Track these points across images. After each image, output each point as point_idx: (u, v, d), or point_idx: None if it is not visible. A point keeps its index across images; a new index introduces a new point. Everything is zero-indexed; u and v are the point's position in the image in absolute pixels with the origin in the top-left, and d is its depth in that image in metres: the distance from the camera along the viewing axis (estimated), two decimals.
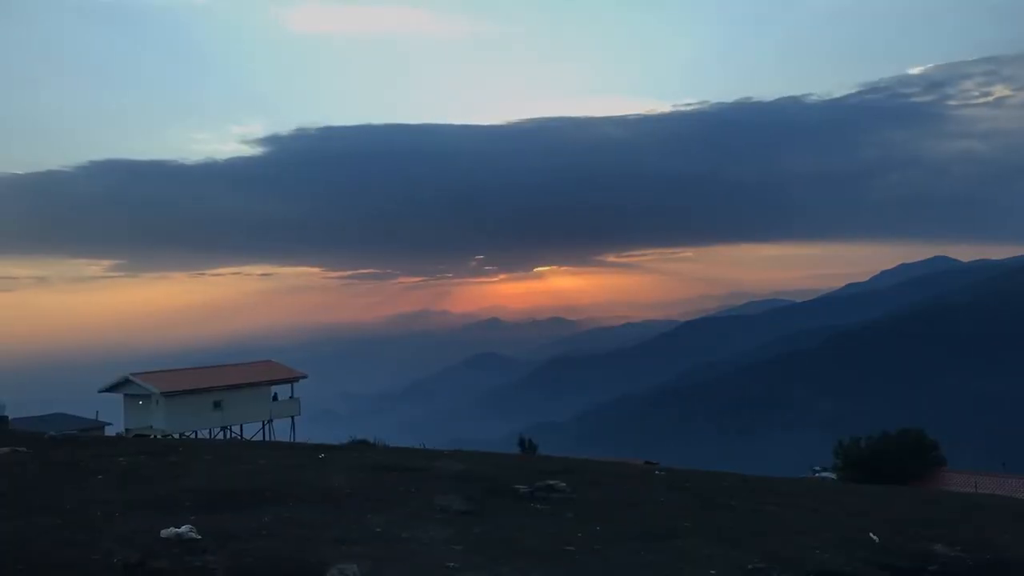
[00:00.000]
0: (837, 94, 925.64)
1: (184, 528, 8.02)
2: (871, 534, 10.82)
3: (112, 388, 47.58)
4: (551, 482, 12.87)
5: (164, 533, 7.90)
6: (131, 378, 46.25)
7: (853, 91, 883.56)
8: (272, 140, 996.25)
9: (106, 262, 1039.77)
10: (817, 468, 52.40)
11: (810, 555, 9.14)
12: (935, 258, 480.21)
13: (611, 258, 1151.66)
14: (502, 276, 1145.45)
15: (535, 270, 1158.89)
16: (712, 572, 8.02)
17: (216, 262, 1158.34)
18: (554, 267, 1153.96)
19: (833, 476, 43.72)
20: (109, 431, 44.36)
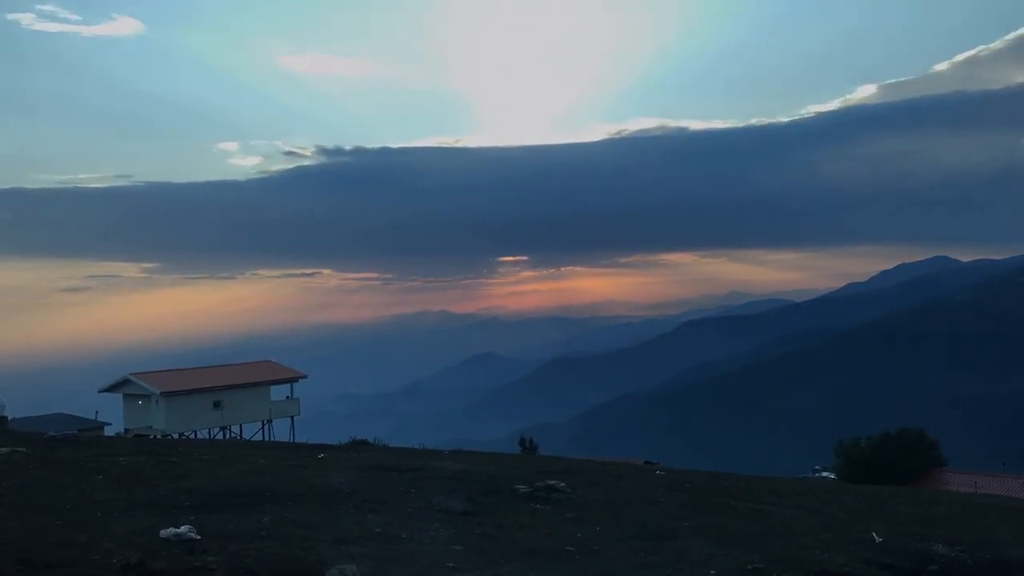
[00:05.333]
0: (821, 110, 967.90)
1: (184, 528, 8.01)
2: (872, 534, 10.82)
3: (112, 388, 47.60)
4: (551, 482, 12.86)
5: (164, 533, 7.89)
6: (131, 378, 46.27)
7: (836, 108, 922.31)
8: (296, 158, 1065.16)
9: (146, 264, 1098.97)
10: (817, 468, 52.49)
11: (810, 555, 9.13)
12: (935, 258, 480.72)
13: (614, 260, 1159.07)
14: (504, 277, 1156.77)
15: (539, 271, 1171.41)
16: (712, 572, 8.01)
17: (240, 266, 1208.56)
18: (556, 269, 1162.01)
19: (833, 476, 43.76)
20: (109, 431, 44.35)
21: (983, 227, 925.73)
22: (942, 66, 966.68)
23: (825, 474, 48.26)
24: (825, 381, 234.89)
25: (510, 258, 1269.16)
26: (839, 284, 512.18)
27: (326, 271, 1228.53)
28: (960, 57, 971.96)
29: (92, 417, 48.33)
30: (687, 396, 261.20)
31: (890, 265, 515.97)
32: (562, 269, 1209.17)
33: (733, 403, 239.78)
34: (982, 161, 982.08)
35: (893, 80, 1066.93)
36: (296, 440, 42.71)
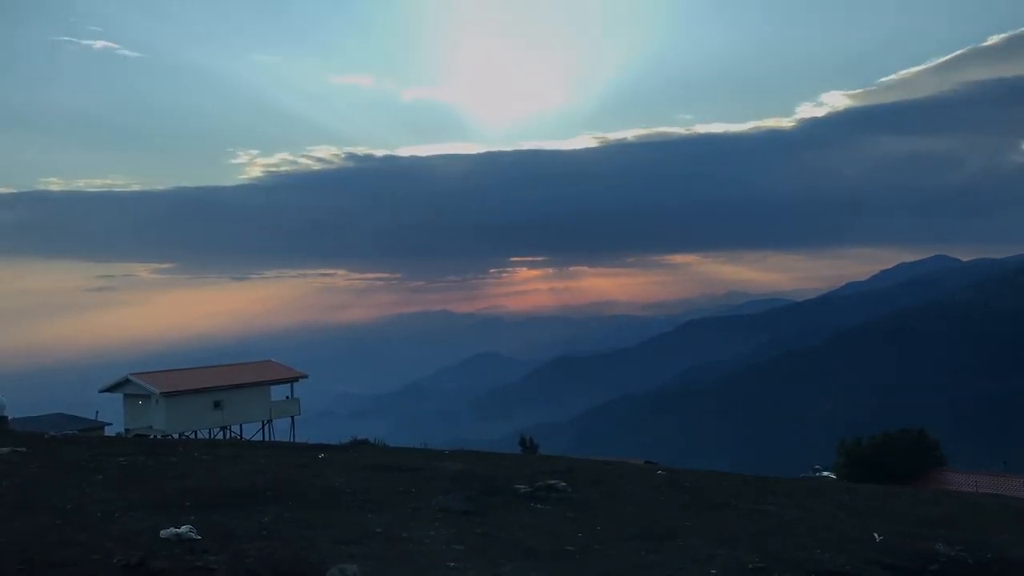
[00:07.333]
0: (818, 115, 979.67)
1: (184, 528, 8.00)
2: (872, 534, 10.81)
3: (112, 388, 47.60)
4: (551, 482, 12.85)
5: (164, 533, 7.89)
6: (131, 378, 46.29)
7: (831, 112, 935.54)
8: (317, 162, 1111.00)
9: (161, 265, 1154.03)
10: (817, 468, 52.42)
11: (810, 555, 9.13)
12: (935, 257, 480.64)
13: (616, 262, 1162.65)
14: (505, 278, 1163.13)
15: (541, 272, 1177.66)
16: (712, 572, 8.00)
17: (256, 267, 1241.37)
18: (558, 270, 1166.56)
19: (833, 476, 43.74)
20: (109, 431, 44.38)
21: (983, 227, 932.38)
22: (940, 68, 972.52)
23: (825, 474, 48.20)
24: (825, 381, 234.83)
25: (513, 258, 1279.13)
26: (839, 284, 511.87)
27: (340, 271, 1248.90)
28: (952, 57, 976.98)
29: (92, 417, 48.35)
30: (687, 396, 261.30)
31: (890, 265, 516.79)
32: (566, 270, 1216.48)
33: (733, 403, 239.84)
34: (982, 161, 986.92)
35: (889, 82, 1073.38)
36: (296, 440, 42.71)
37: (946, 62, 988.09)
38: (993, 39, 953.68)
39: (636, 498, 13.17)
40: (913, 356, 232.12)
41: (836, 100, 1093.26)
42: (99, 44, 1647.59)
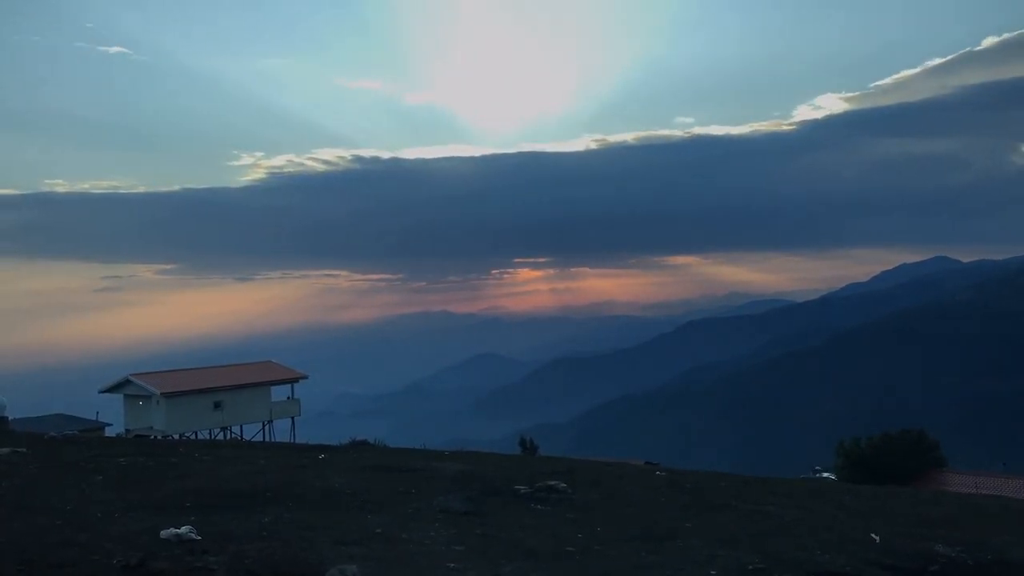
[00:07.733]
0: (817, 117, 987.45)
1: (184, 529, 8.01)
2: (871, 534, 10.81)
3: (112, 389, 47.57)
4: (551, 482, 12.86)
5: (164, 534, 7.89)
6: (131, 379, 46.26)
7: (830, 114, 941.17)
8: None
9: (164, 266, 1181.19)
10: (817, 468, 52.42)
11: (810, 555, 9.12)
12: (935, 258, 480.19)
13: (617, 263, 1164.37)
14: (505, 278, 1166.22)
15: (542, 272, 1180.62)
16: (712, 572, 8.00)
17: (260, 267, 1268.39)
18: (559, 270, 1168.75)
19: (833, 476, 43.73)
20: (110, 432, 44.37)
21: (983, 228, 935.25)
22: (936, 71, 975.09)
23: (825, 474, 48.21)
24: (825, 381, 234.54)
25: (515, 259, 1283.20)
26: (839, 285, 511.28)
27: (343, 273, 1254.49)
28: (948, 61, 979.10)
29: (93, 418, 48.35)
30: (687, 396, 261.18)
31: (890, 266, 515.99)
32: (567, 271, 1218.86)
33: (733, 403, 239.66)
34: (981, 163, 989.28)
35: (885, 85, 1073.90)
36: (296, 440, 42.72)
37: (942, 65, 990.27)
38: (988, 42, 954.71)
39: (636, 499, 13.17)
40: (913, 356, 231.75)
41: (832, 103, 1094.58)
42: (113, 49, 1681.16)
